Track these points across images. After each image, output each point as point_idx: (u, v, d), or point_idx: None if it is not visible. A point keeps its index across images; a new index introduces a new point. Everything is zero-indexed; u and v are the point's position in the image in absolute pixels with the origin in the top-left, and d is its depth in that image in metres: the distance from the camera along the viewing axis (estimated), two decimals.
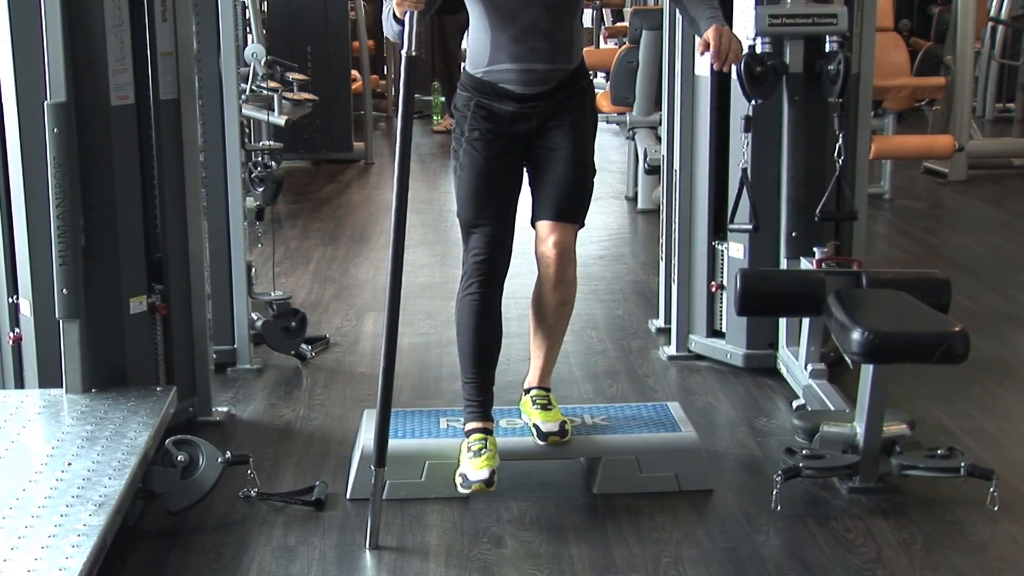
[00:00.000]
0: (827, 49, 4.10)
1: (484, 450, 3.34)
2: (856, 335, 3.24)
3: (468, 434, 3.40)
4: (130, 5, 3.58)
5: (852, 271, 3.83)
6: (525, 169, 3.44)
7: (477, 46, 3.36)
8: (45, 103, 3.39)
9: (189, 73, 3.78)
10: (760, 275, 4.00)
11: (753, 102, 4.08)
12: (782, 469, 3.38)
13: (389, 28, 3.26)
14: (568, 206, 3.40)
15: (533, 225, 3.44)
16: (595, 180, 3.48)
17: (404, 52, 3.14)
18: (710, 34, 3.20)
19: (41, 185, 3.45)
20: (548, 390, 3.59)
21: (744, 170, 4.17)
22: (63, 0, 3.36)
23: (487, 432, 3.40)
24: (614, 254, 6.50)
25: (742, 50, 3.31)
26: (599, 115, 7.66)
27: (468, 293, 3.36)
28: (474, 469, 3.30)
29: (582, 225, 3.47)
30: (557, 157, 3.38)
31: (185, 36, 3.76)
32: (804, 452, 3.45)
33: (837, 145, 4.13)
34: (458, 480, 3.33)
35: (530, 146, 3.41)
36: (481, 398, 3.42)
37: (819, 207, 4.14)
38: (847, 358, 3.41)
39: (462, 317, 3.39)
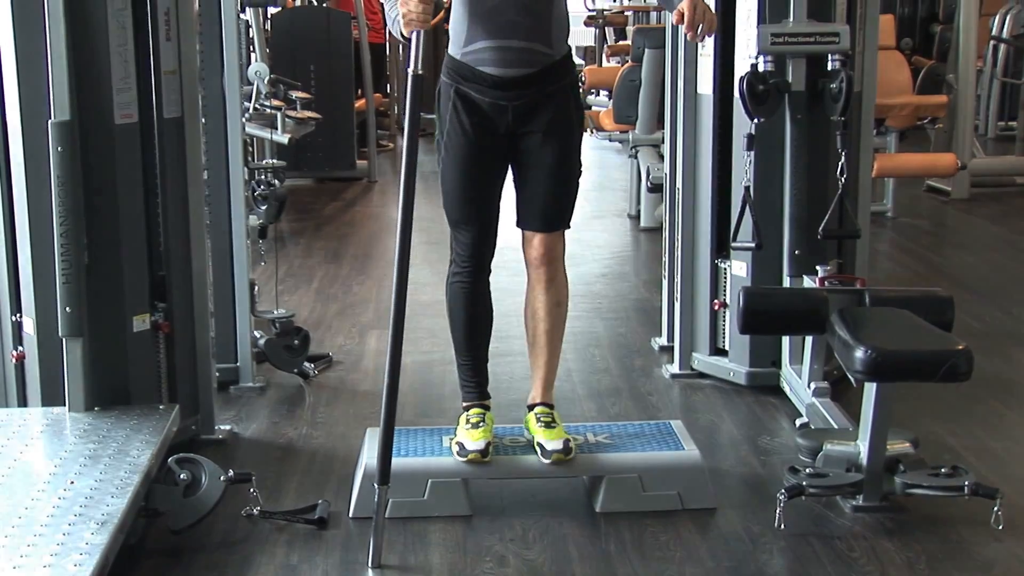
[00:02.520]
0: (829, 67, 4.11)
1: (482, 423, 3.49)
2: (859, 353, 3.23)
3: (467, 408, 3.55)
4: (134, 24, 3.59)
5: (855, 289, 3.82)
6: (509, 165, 3.50)
7: (457, 24, 3.39)
8: (49, 122, 3.40)
9: (193, 92, 3.79)
10: (763, 293, 4.01)
11: (755, 120, 4.09)
12: (785, 488, 3.37)
13: (395, 29, 3.31)
14: (554, 219, 3.52)
15: (518, 226, 3.55)
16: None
17: (411, 70, 3.16)
18: (684, 5, 3.25)
19: (45, 204, 3.46)
20: (551, 407, 3.59)
21: (747, 188, 4.17)
22: (67, 19, 3.38)
23: (485, 408, 3.55)
24: (617, 272, 6.50)
25: (716, 22, 3.34)
26: (602, 133, 7.75)
27: (457, 280, 3.54)
28: (471, 440, 3.43)
29: (568, 226, 3.56)
30: (541, 172, 3.45)
31: (189, 55, 3.77)
32: (808, 471, 3.44)
33: (840, 163, 4.13)
34: (454, 448, 3.45)
35: (513, 146, 3.45)
36: (477, 379, 3.59)
37: (822, 225, 4.14)
38: (850, 376, 3.40)
39: (453, 302, 3.56)
